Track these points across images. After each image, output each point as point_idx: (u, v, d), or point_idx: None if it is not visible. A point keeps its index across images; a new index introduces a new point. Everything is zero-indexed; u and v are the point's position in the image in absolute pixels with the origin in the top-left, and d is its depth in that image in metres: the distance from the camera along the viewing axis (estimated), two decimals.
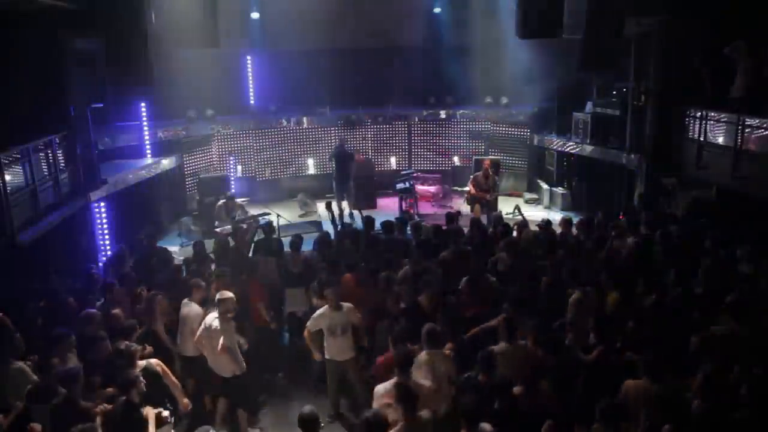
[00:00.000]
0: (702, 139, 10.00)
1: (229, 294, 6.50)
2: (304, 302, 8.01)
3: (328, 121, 15.35)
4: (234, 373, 6.48)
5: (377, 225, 9.28)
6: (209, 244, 9.39)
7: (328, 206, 10.15)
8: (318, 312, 6.85)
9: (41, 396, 5.07)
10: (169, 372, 6.13)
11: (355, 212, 13.05)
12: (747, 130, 9.11)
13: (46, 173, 8.69)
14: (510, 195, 14.36)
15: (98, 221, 10.11)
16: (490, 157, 13.90)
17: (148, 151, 12.75)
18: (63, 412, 4.92)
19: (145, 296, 7.06)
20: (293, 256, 8.31)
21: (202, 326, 6.54)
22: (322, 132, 15.45)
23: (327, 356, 6.91)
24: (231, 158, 14.59)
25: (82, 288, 7.42)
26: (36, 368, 5.66)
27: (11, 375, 5.42)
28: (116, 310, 6.73)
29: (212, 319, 6.46)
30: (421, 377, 5.32)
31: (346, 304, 6.84)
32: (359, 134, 15.26)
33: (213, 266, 8.52)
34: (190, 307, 6.92)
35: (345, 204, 13.33)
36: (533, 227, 9.30)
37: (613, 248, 8.21)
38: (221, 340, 6.30)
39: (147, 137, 12.75)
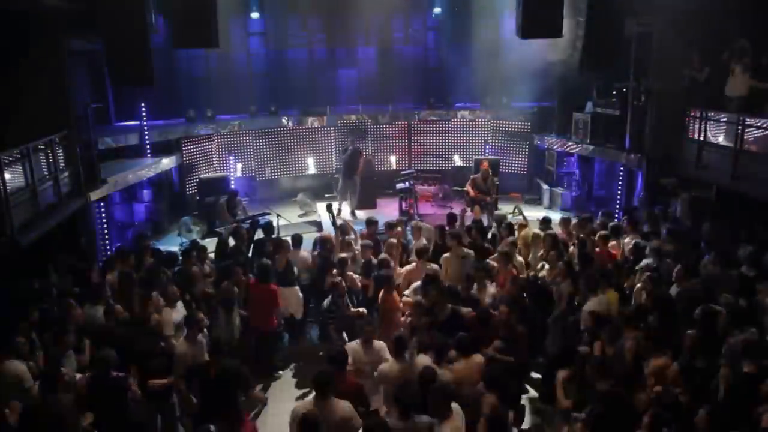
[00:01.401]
0: (702, 139, 10.00)
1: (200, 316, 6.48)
2: (298, 302, 8.06)
3: (328, 121, 15.36)
4: None
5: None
6: (208, 245, 9.39)
7: (329, 207, 10.16)
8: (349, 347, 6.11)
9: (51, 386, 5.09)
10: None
11: (357, 212, 13.08)
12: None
13: (46, 173, 8.68)
14: (510, 196, 14.25)
15: (98, 221, 10.12)
16: (489, 157, 13.89)
17: (148, 152, 12.75)
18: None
19: (135, 292, 7.06)
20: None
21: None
22: (322, 132, 15.44)
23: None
24: (231, 158, 14.59)
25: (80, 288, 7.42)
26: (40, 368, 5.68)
27: (6, 374, 5.43)
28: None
29: (182, 343, 6.33)
30: None
31: (379, 343, 6.10)
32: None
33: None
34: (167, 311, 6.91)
35: (345, 204, 13.34)
36: (534, 227, 9.31)
37: (611, 248, 8.23)
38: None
39: (147, 137, 12.74)
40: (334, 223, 9.75)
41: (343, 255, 8.19)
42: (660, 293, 6.53)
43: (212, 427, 4.48)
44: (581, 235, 8.70)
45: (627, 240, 8.49)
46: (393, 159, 15.58)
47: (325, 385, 4.86)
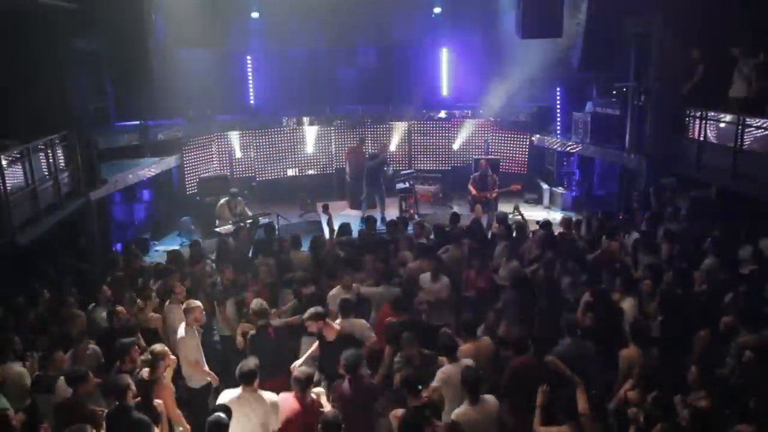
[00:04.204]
0: (702, 139, 9.99)
1: (197, 303, 6.32)
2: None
3: (328, 121, 15.35)
4: (200, 385, 6.20)
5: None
6: (209, 245, 9.39)
7: (326, 208, 10.18)
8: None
9: (45, 387, 5.09)
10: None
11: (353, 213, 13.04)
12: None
13: (46, 173, 8.68)
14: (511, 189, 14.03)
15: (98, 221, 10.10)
16: (489, 157, 13.89)
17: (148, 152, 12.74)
18: (67, 412, 4.91)
19: (126, 297, 7.03)
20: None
21: (177, 333, 6.32)
22: (322, 132, 15.45)
23: None
24: (231, 158, 14.58)
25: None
26: (38, 366, 5.67)
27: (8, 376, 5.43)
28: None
29: (182, 329, 6.24)
30: None
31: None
32: (359, 134, 15.21)
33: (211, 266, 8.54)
34: (172, 309, 6.86)
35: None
36: (533, 227, 9.31)
37: (611, 248, 8.22)
38: (184, 352, 6.10)
39: (147, 137, 12.73)
40: (329, 224, 9.71)
41: None
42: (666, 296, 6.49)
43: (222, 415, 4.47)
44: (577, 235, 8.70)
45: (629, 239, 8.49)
46: (393, 159, 15.55)
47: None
